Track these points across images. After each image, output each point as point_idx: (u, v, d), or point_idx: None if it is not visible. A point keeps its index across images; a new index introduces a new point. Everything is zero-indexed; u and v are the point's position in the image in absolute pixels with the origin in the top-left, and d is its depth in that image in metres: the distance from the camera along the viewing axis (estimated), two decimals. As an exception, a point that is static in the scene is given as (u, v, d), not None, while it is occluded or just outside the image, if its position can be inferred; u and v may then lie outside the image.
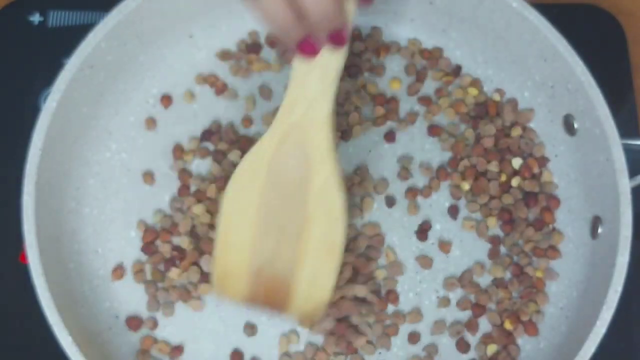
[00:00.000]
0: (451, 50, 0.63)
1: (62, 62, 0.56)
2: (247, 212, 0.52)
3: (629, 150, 0.55)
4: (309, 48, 0.47)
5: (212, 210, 0.59)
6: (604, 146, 0.55)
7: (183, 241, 0.59)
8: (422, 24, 0.63)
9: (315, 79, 0.50)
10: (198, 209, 0.59)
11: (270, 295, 0.53)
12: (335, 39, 0.47)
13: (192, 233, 0.59)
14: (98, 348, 0.56)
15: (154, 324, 0.58)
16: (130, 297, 0.59)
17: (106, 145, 0.61)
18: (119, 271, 0.59)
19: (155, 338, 0.58)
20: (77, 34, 0.57)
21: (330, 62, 0.49)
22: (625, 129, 0.55)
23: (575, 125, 0.58)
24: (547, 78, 0.59)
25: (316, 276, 0.53)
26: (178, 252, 0.59)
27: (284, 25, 0.45)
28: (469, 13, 0.60)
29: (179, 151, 0.61)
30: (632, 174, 0.54)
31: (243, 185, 0.52)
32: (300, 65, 0.50)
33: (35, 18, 0.68)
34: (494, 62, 0.62)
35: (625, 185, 0.54)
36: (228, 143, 0.61)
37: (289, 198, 0.52)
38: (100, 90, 0.60)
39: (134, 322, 0.58)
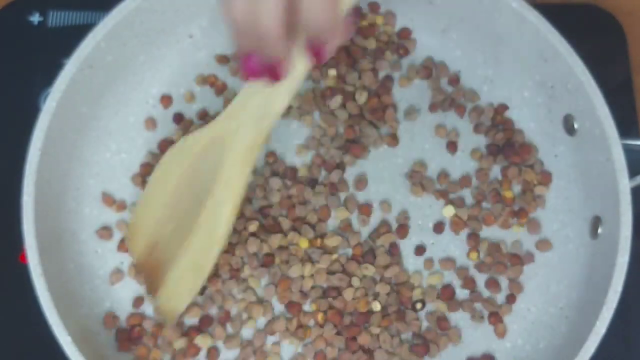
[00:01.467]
0: (451, 50, 0.63)
1: (62, 62, 0.56)
2: (165, 187, 0.55)
3: (629, 150, 0.55)
4: (265, 71, 0.45)
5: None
6: (604, 146, 0.55)
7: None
8: (422, 24, 0.63)
9: (259, 105, 0.51)
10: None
11: (152, 273, 0.56)
12: (317, 53, 0.44)
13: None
14: (98, 348, 0.56)
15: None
16: (131, 297, 0.59)
17: (106, 145, 0.61)
18: (117, 274, 0.59)
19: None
20: (77, 34, 0.57)
21: (276, 95, 0.50)
22: (625, 129, 0.55)
23: (575, 125, 0.58)
24: (547, 78, 0.59)
25: (179, 284, 0.55)
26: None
27: (249, 38, 0.42)
28: (469, 13, 0.60)
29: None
30: (632, 174, 0.54)
31: (169, 166, 0.55)
32: (251, 84, 0.50)
33: (35, 18, 0.68)
34: (493, 62, 0.62)
35: (625, 185, 0.54)
36: None
37: (193, 198, 0.54)
38: (100, 90, 0.60)
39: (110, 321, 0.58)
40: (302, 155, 0.61)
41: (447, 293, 0.59)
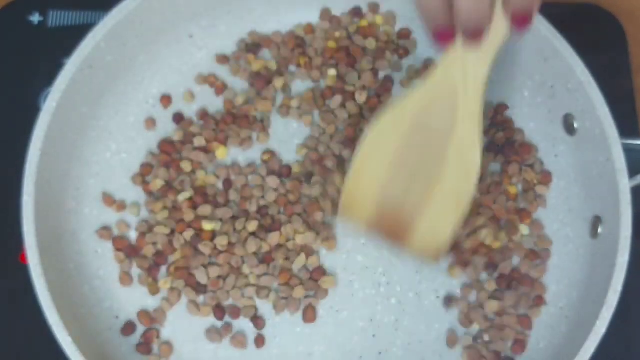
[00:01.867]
0: (451, 50, 0.63)
1: (62, 62, 0.56)
2: (385, 150, 0.55)
3: (629, 150, 0.55)
4: (446, 38, 0.50)
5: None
6: (604, 146, 0.55)
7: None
8: (422, 25, 0.63)
9: (466, 66, 0.51)
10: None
11: (392, 227, 0.56)
12: (520, 22, 0.49)
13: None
14: (98, 348, 0.56)
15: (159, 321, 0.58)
16: (131, 297, 0.59)
17: (106, 145, 0.61)
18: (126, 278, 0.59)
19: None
20: (77, 34, 0.57)
21: (479, 59, 0.51)
22: (625, 129, 0.55)
23: (575, 125, 0.58)
24: (547, 78, 0.59)
25: (437, 223, 0.55)
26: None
27: (430, 12, 0.49)
28: (469, 13, 0.60)
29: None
30: (632, 174, 0.54)
31: (386, 127, 0.54)
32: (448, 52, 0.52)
33: (35, 18, 0.68)
34: (493, 62, 0.62)
35: (625, 185, 0.54)
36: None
37: (427, 148, 0.54)
38: (100, 90, 0.60)
39: (130, 329, 0.58)
40: (301, 154, 0.61)
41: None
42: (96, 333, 0.57)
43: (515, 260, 0.59)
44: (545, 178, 0.60)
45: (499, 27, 0.50)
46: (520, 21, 0.49)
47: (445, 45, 0.51)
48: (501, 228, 0.59)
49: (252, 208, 0.59)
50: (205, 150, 0.61)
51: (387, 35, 0.63)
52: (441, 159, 0.54)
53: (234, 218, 0.59)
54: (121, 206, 0.60)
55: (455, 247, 0.58)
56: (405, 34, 0.64)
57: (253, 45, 0.63)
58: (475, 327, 0.58)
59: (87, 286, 0.58)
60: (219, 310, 0.58)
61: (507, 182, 0.60)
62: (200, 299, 0.58)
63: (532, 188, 0.60)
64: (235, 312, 0.58)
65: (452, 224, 0.55)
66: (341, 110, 0.61)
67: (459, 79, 0.52)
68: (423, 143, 0.54)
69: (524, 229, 0.60)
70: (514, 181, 0.60)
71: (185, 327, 0.58)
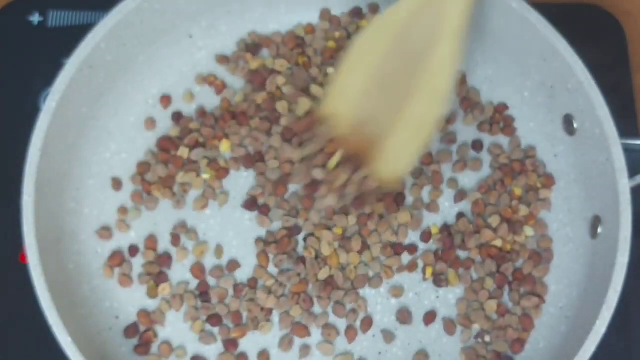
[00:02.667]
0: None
1: (62, 62, 0.56)
2: (367, 63, 0.54)
3: (629, 150, 0.55)
4: None
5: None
6: (604, 146, 0.55)
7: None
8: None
9: None
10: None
11: (360, 144, 0.55)
12: None
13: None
14: (98, 348, 0.56)
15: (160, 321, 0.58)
16: (131, 297, 0.59)
17: (106, 145, 0.61)
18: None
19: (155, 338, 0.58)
20: (77, 34, 0.57)
21: None
22: (625, 129, 0.55)
23: (575, 125, 0.58)
24: (547, 78, 0.59)
25: (403, 146, 0.55)
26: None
27: None
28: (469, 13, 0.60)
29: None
30: (632, 174, 0.54)
31: (372, 37, 0.54)
32: None
33: (35, 18, 0.68)
34: (494, 62, 0.62)
35: (625, 185, 0.54)
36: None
37: (403, 66, 0.53)
38: (100, 90, 0.60)
39: (132, 330, 0.58)
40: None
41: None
42: (96, 333, 0.57)
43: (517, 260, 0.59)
44: (548, 181, 0.60)
45: None
46: None
47: None
48: (510, 230, 0.59)
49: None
50: (204, 145, 0.61)
51: None
52: (415, 81, 0.53)
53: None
54: (121, 206, 0.60)
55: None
56: None
57: (253, 46, 0.63)
58: (476, 327, 0.58)
59: (87, 286, 0.58)
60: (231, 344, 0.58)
61: (510, 182, 0.60)
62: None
63: (535, 190, 0.60)
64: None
65: (414, 151, 0.55)
66: None
67: None
68: (401, 62, 0.53)
69: (528, 231, 0.59)
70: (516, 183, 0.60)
71: (185, 327, 0.58)
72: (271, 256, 0.59)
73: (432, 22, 0.52)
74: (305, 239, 0.59)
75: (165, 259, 0.59)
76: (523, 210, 0.59)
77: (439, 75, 0.53)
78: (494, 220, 0.59)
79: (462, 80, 0.62)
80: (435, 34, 0.52)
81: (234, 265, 0.59)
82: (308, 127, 0.58)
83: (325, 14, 0.64)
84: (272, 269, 0.59)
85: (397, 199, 0.60)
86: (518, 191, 0.60)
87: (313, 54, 0.63)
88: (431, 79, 0.53)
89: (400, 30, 0.53)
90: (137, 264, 0.59)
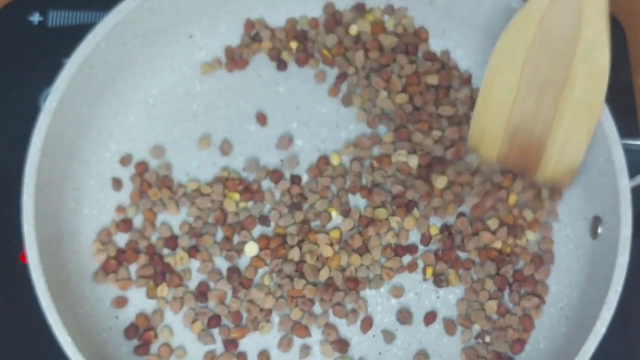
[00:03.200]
0: (451, 50, 0.63)
1: (62, 62, 0.56)
2: (512, 71, 0.53)
3: (629, 150, 0.55)
4: None
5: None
6: (604, 146, 0.55)
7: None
8: (422, 25, 0.63)
9: None
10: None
11: (522, 157, 0.55)
12: None
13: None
14: (98, 348, 0.56)
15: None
16: (131, 297, 0.59)
17: (106, 145, 0.61)
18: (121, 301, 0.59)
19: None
20: (77, 34, 0.57)
21: None
22: (625, 129, 0.55)
23: (576, 125, 0.58)
24: (547, 78, 0.59)
25: (570, 139, 0.54)
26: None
27: None
28: (469, 13, 0.60)
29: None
30: (632, 174, 0.54)
31: (511, 43, 0.52)
32: None
33: (35, 18, 0.68)
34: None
35: (625, 185, 0.54)
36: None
37: (554, 56, 0.52)
38: (100, 90, 0.60)
39: (132, 331, 0.58)
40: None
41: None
42: (96, 333, 0.57)
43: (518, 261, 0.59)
44: (555, 194, 0.59)
45: None
46: None
47: None
48: (510, 233, 0.59)
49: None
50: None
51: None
52: (568, 67, 0.51)
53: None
54: (121, 206, 0.60)
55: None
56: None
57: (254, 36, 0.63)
58: (476, 328, 0.58)
59: (87, 286, 0.58)
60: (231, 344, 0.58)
61: (508, 183, 0.60)
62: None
63: (539, 199, 0.60)
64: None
65: (585, 139, 0.53)
66: None
67: None
68: (549, 53, 0.51)
69: (530, 235, 0.59)
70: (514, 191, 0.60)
71: (184, 327, 0.58)
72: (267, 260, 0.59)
73: (573, 5, 0.50)
74: (299, 245, 0.59)
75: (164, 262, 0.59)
76: (528, 216, 0.59)
77: (594, 52, 0.50)
78: (493, 224, 0.59)
79: (467, 81, 0.62)
80: (578, 17, 0.50)
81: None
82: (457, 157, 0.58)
83: (328, 9, 0.64)
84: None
85: (408, 205, 0.60)
86: (512, 199, 0.59)
87: (312, 46, 0.63)
88: (586, 58, 0.51)
89: (541, 21, 0.51)
90: (136, 265, 0.59)
